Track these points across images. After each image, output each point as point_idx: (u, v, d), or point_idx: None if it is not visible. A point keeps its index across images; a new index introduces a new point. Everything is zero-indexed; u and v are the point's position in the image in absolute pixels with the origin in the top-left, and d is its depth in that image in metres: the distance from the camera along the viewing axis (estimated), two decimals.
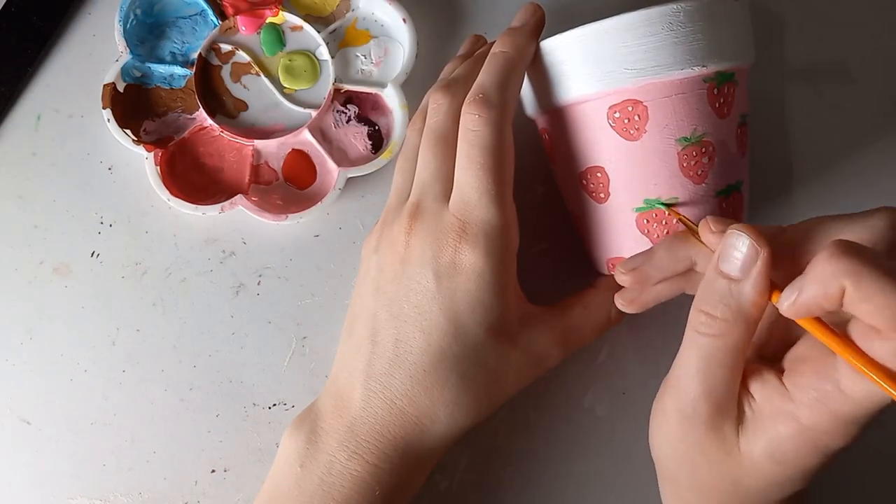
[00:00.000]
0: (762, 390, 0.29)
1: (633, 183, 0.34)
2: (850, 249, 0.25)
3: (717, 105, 0.33)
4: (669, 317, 0.41)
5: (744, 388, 0.29)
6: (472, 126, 0.33)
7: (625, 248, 0.35)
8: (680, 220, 0.33)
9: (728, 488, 0.30)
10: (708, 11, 0.32)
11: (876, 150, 0.43)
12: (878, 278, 0.24)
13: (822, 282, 0.25)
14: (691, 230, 0.32)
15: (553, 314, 0.36)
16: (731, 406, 0.29)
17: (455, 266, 0.32)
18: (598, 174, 0.34)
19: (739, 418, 0.29)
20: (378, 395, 0.33)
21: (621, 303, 0.34)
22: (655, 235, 0.34)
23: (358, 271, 0.36)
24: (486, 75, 0.34)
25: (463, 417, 0.33)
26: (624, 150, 0.33)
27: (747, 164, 0.36)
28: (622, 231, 0.35)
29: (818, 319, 0.27)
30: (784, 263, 0.28)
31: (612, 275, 0.37)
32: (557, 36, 0.34)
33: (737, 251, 0.28)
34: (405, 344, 0.32)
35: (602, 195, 0.34)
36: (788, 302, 0.26)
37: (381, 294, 0.33)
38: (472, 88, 0.34)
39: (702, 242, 0.31)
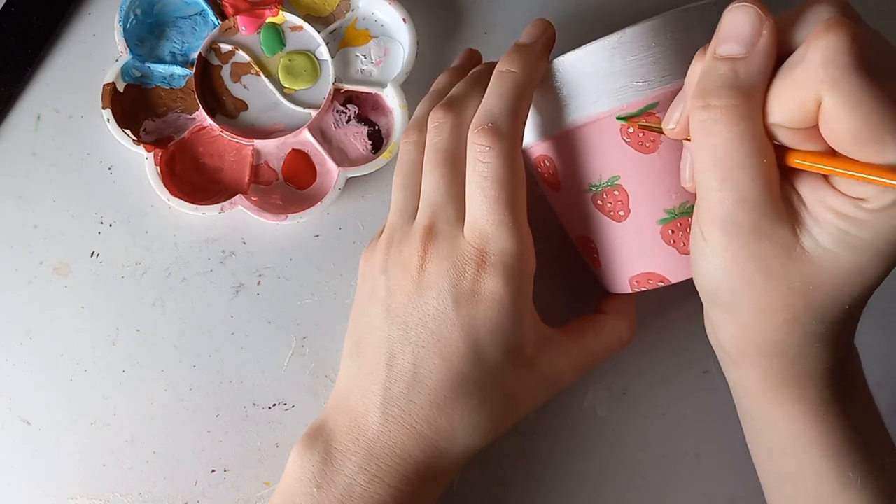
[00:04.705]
0: (808, 183, 0.27)
1: (654, 196, 0.33)
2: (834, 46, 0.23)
3: None
4: (669, 317, 0.41)
5: (789, 186, 0.27)
6: (483, 158, 0.32)
7: (651, 263, 0.34)
8: (644, 127, 0.32)
9: (795, 299, 0.27)
10: (711, 13, 0.32)
11: None
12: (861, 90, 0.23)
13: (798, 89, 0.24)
14: (657, 131, 0.31)
15: (567, 338, 0.35)
16: (776, 207, 0.26)
17: (475, 294, 0.32)
18: (616, 192, 0.34)
19: (793, 217, 0.27)
20: (397, 420, 0.32)
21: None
22: (681, 244, 0.34)
23: (358, 286, 0.36)
24: (494, 98, 0.33)
25: (480, 438, 0.33)
26: (641, 163, 0.33)
27: None
28: (647, 245, 0.34)
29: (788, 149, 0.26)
30: None
31: (623, 297, 0.37)
32: (565, 55, 0.33)
33: (739, 26, 0.26)
34: (424, 369, 0.32)
35: (622, 213, 0.34)
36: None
37: (394, 317, 0.33)
38: (480, 113, 0.33)
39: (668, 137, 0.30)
